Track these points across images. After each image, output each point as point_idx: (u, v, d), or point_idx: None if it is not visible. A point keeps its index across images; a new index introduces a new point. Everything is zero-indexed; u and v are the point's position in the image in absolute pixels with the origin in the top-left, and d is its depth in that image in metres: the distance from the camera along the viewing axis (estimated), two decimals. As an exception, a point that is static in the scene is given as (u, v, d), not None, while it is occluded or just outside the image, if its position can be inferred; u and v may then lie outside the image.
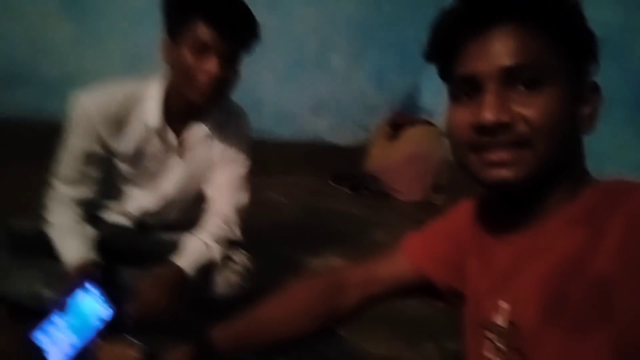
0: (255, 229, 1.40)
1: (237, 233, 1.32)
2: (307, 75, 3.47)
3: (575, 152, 0.60)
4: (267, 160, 3.21)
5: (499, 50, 0.55)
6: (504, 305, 0.60)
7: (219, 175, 1.34)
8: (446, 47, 0.60)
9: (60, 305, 0.87)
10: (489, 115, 0.54)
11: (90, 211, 1.27)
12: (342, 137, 3.73)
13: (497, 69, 0.55)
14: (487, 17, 0.56)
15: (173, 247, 1.22)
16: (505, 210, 0.64)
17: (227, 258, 1.29)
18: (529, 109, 0.54)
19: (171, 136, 1.25)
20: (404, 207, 3.10)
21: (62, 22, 2.72)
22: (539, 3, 0.55)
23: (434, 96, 3.61)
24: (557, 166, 0.57)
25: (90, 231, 1.23)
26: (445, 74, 0.63)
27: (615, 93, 2.79)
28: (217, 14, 1.09)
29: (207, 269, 1.23)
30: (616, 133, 2.78)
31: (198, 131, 1.28)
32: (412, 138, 3.58)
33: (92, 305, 0.97)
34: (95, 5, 2.78)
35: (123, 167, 1.26)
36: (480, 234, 0.70)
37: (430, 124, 3.63)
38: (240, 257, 1.33)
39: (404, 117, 3.90)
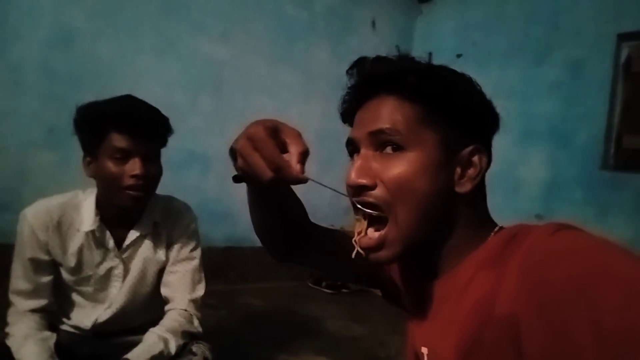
0: (231, 332, 1.40)
1: (196, 325, 1.32)
2: (279, 183, 3.60)
3: (463, 208, 0.62)
4: (245, 266, 3.27)
5: (369, 119, 0.62)
6: (424, 350, 0.64)
7: (171, 274, 1.35)
8: (346, 116, 0.70)
9: None
10: (352, 177, 0.60)
11: (49, 320, 1.28)
12: (319, 239, 3.79)
13: (365, 134, 0.62)
14: (367, 91, 0.64)
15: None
16: (420, 263, 0.68)
17: (186, 351, 1.27)
18: (387, 172, 0.59)
19: (109, 241, 1.27)
20: (383, 303, 3.11)
21: (45, 150, 2.85)
22: (406, 81, 0.60)
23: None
24: (438, 225, 0.61)
25: (48, 336, 1.22)
26: None
27: (568, 176, 3.08)
28: (127, 122, 1.16)
29: None
30: (576, 211, 2.98)
31: (138, 234, 1.29)
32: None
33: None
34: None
35: (68, 277, 1.27)
36: (407, 283, 0.75)
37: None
38: (200, 349, 1.31)
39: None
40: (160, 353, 1.18)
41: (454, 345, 0.56)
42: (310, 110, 3.67)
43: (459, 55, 3.76)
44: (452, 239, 0.62)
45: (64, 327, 1.33)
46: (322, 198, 3.72)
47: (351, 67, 0.66)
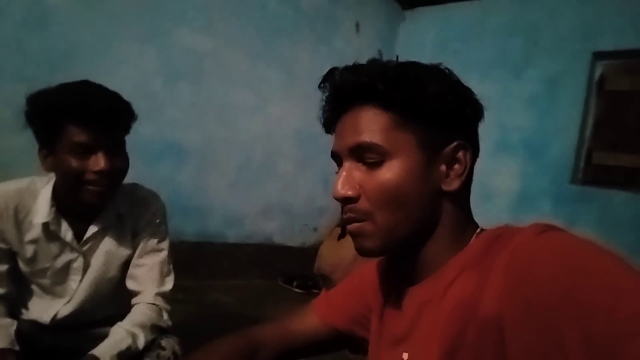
0: (200, 328, 1.38)
1: (165, 319, 1.27)
2: (255, 180, 3.53)
3: (448, 208, 0.63)
4: (216, 263, 3.24)
5: (348, 131, 0.63)
6: (404, 356, 0.62)
7: (137, 267, 1.28)
8: (327, 125, 0.69)
9: None
10: (337, 190, 0.61)
11: (9, 308, 1.23)
12: (291, 238, 3.79)
13: (346, 148, 0.62)
14: (342, 103, 0.64)
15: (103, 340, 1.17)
16: (402, 267, 0.69)
17: (155, 345, 1.23)
18: (369, 184, 0.60)
19: (66, 233, 1.19)
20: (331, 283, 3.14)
21: (15, 133, 2.75)
22: (378, 89, 0.60)
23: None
24: (423, 227, 0.62)
25: (9, 323, 1.18)
26: None
27: (538, 188, 3.16)
28: (85, 113, 1.05)
29: (133, 356, 1.16)
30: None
31: (100, 227, 1.22)
32: (359, 237, 3.71)
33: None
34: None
35: (24, 268, 1.22)
36: (384, 291, 0.74)
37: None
38: (169, 343, 1.26)
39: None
40: (128, 348, 1.14)
41: (437, 347, 0.56)
42: (290, 109, 3.66)
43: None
44: (436, 240, 0.63)
45: (24, 317, 1.28)
46: (297, 197, 3.73)
47: (323, 80, 0.66)
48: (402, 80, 0.60)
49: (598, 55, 3.09)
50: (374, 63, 0.63)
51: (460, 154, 0.62)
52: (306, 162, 3.84)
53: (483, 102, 0.65)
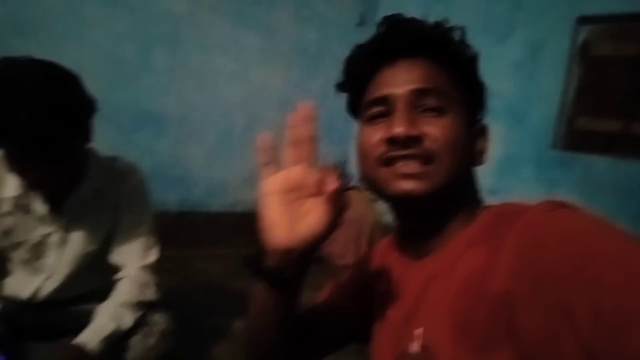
0: (185, 298, 1.37)
1: (151, 294, 1.24)
2: (237, 148, 3.47)
3: (471, 181, 0.66)
4: (199, 232, 3.22)
5: (409, 77, 0.62)
6: (419, 330, 0.61)
7: (120, 240, 1.26)
8: (360, 76, 0.67)
9: None
10: (399, 129, 0.59)
11: None
12: (274, 206, 3.77)
13: (407, 91, 0.61)
14: (399, 51, 0.63)
15: (90, 317, 1.14)
16: (411, 238, 0.69)
17: (145, 321, 1.21)
18: (434, 127, 0.60)
19: (39, 207, 1.16)
20: (338, 271, 3.16)
21: None
22: (444, 45, 0.63)
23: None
24: (457, 187, 0.62)
25: None
26: (355, 104, 0.71)
27: (522, 153, 3.20)
28: (6, 130, 0.95)
29: (122, 336, 1.15)
30: (527, 188, 3.12)
31: (77, 201, 1.19)
32: (343, 204, 3.72)
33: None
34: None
35: (1, 244, 1.19)
36: (387, 269, 0.73)
37: (360, 190, 3.79)
38: (160, 318, 1.25)
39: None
40: (114, 331, 1.11)
41: (448, 322, 0.55)
42: (271, 75, 3.56)
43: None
44: (455, 211, 0.63)
45: (3, 294, 1.24)
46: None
47: (385, 25, 0.66)
48: (464, 43, 0.65)
49: (582, 20, 3.07)
50: (439, 22, 0.66)
51: (484, 134, 0.67)
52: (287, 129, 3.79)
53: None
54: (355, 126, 0.73)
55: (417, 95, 0.61)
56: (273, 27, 3.56)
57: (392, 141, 0.60)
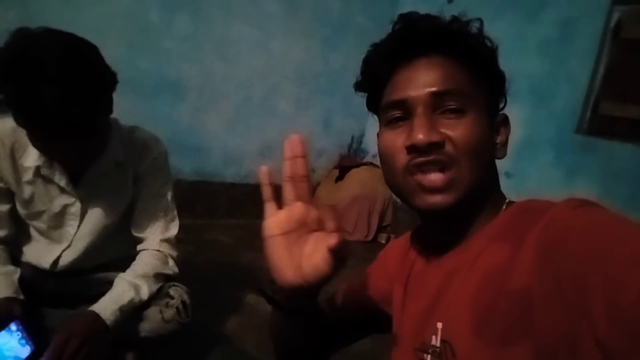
0: (198, 268, 1.38)
1: (170, 266, 1.26)
2: (254, 119, 3.46)
3: (493, 176, 0.65)
4: (214, 202, 3.25)
5: (427, 78, 0.60)
6: (439, 325, 0.61)
7: (140, 213, 1.26)
8: (378, 76, 0.65)
9: None
10: (420, 135, 0.57)
11: (10, 253, 1.22)
12: (290, 179, 3.78)
13: (427, 94, 0.59)
14: (416, 49, 0.62)
15: (110, 285, 1.15)
16: (435, 234, 0.69)
17: (163, 294, 1.24)
18: (454, 131, 0.58)
19: (61, 177, 1.15)
20: (350, 246, 3.20)
21: None
22: (462, 42, 0.61)
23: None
24: (480, 188, 0.61)
25: (12, 270, 1.16)
26: (373, 103, 0.69)
27: (543, 136, 3.14)
28: (33, 126, 0.96)
29: (138, 307, 1.17)
30: (545, 172, 3.07)
31: (97, 172, 1.18)
32: (357, 180, 3.71)
33: (11, 344, 0.97)
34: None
35: (21, 210, 1.19)
36: (409, 263, 0.74)
37: (374, 166, 3.78)
38: (177, 292, 1.27)
39: (350, 160, 4.03)
40: (130, 301, 1.12)
41: (468, 317, 0.55)
42: (292, 45, 3.52)
43: (450, 1, 3.63)
44: (479, 207, 0.63)
45: (24, 261, 1.27)
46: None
47: (400, 23, 0.63)
48: (482, 38, 0.62)
49: (616, 0, 2.93)
50: (455, 17, 0.63)
51: (505, 125, 0.66)
52: (307, 102, 3.76)
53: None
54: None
55: (437, 97, 0.59)
56: (296, -4, 3.50)
57: (414, 148, 0.59)
